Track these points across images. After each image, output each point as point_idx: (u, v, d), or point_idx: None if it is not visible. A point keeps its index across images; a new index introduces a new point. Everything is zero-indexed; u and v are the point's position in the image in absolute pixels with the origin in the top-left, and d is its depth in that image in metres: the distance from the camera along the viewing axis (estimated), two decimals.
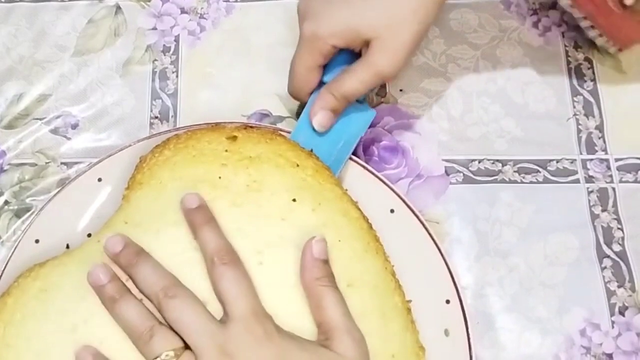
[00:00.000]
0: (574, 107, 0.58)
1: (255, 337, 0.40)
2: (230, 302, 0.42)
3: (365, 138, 0.56)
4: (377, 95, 0.58)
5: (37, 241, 0.50)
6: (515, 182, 0.56)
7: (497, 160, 0.56)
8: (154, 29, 0.61)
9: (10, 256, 0.49)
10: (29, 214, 0.54)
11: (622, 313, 0.52)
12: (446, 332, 0.48)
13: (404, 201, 0.51)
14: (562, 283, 0.53)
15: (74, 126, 0.57)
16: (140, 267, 0.43)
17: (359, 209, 0.49)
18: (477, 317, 0.51)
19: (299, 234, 0.45)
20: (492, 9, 0.61)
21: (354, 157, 0.52)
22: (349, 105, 0.51)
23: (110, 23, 0.61)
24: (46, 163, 0.56)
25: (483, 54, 0.60)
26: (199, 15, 0.61)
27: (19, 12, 0.61)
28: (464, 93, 0.59)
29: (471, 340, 0.47)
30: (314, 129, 0.51)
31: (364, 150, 0.56)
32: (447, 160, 0.56)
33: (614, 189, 0.56)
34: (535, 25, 0.61)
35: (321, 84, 0.52)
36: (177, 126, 0.56)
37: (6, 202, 0.55)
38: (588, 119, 0.58)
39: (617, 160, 0.57)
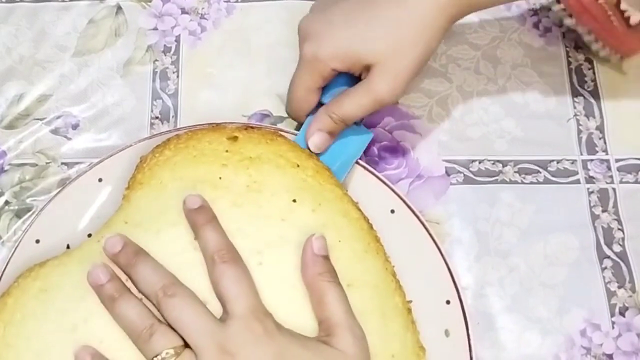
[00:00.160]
0: (575, 107, 0.58)
1: (256, 335, 0.40)
2: (231, 300, 0.42)
3: None
4: None
5: (37, 241, 0.50)
6: (515, 182, 0.56)
7: (498, 161, 0.56)
8: (155, 29, 0.61)
9: (11, 256, 0.49)
10: (29, 214, 0.54)
11: (622, 314, 0.52)
12: (446, 333, 0.48)
13: (404, 202, 0.51)
14: (562, 283, 0.53)
15: (75, 126, 0.57)
16: (139, 266, 0.43)
17: (360, 210, 0.49)
18: (477, 317, 0.51)
19: (299, 235, 0.45)
20: (492, 9, 0.60)
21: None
22: (346, 128, 0.51)
23: (111, 23, 0.61)
24: (47, 163, 0.56)
25: (483, 54, 0.60)
26: (199, 15, 0.61)
27: (20, 12, 0.61)
28: (464, 93, 0.59)
29: (471, 341, 0.48)
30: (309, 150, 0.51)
31: (364, 151, 0.56)
32: (447, 161, 0.56)
33: (614, 189, 0.56)
34: (535, 25, 0.61)
35: (319, 105, 0.52)
36: (178, 126, 0.56)
37: (7, 202, 0.55)
38: (588, 120, 0.58)
39: (617, 160, 0.57)
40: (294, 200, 0.47)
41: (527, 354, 0.51)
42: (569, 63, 0.60)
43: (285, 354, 0.40)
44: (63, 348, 0.43)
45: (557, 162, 0.56)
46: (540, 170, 0.56)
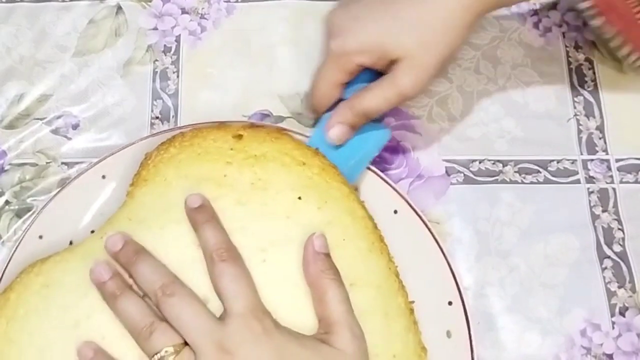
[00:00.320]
0: (575, 107, 0.58)
1: (254, 334, 0.40)
2: (229, 299, 0.42)
3: None
4: None
5: (40, 237, 0.50)
6: (515, 182, 0.56)
7: (498, 161, 0.56)
8: (155, 29, 0.61)
9: (14, 252, 0.49)
10: (29, 213, 0.54)
11: (622, 314, 0.52)
12: (448, 334, 0.48)
13: (407, 202, 0.51)
14: (562, 283, 0.53)
15: (75, 126, 0.57)
16: (139, 265, 0.43)
17: (365, 208, 0.49)
18: (478, 318, 0.51)
19: (304, 232, 0.45)
20: None
21: None
22: (366, 122, 0.51)
23: (111, 23, 0.61)
24: (47, 163, 0.56)
25: (484, 54, 0.60)
26: (199, 15, 0.61)
27: (20, 12, 0.61)
28: (464, 93, 0.59)
29: (473, 343, 0.47)
30: (326, 144, 0.51)
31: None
32: (447, 161, 0.56)
33: (614, 189, 0.56)
34: (535, 25, 0.61)
35: (338, 102, 0.52)
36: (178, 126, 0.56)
37: (7, 202, 0.55)
38: (589, 120, 0.58)
39: (617, 160, 0.57)
40: (299, 198, 0.47)
41: (528, 354, 0.51)
42: (569, 63, 0.60)
43: (284, 352, 0.40)
44: (65, 344, 0.43)
45: (557, 162, 0.56)
46: (541, 170, 0.56)
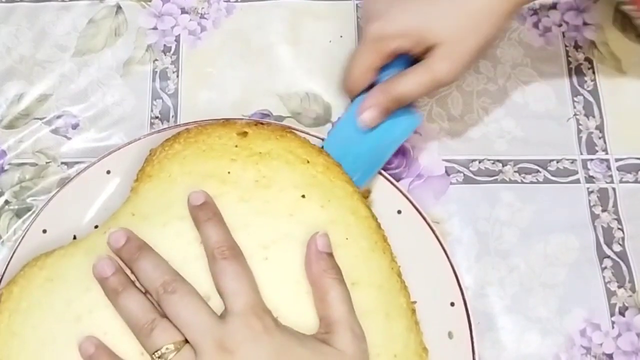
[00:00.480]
0: (574, 107, 0.58)
1: (254, 332, 0.40)
2: (230, 297, 0.42)
3: None
4: None
5: (44, 231, 0.50)
6: (515, 182, 0.56)
7: (498, 161, 0.56)
8: (155, 28, 0.61)
9: (18, 245, 0.49)
10: (29, 213, 0.54)
11: (622, 313, 0.52)
12: (450, 335, 0.48)
13: (411, 202, 0.51)
14: (562, 283, 0.53)
15: (75, 126, 0.57)
16: (142, 261, 0.43)
17: (369, 208, 0.49)
18: (478, 318, 0.51)
19: (307, 230, 0.45)
20: None
21: None
22: (399, 107, 0.51)
23: (110, 23, 0.61)
24: (47, 163, 0.56)
25: None
26: (199, 15, 0.61)
27: (20, 12, 0.61)
28: (464, 93, 0.59)
29: (475, 344, 0.47)
30: (357, 128, 0.51)
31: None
32: (447, 161, 0.56)
33: (614, 189, 0.56)
34: (535, 25, 0.61)
35: (370, 87, 0.52)
36: None
37: (6, 202, 0.55)
38: (588, 119, 0.58)
39: (617, 160, 0.57)
40: (303, 196, 0.47)
41: (528, 354, 0.51)
42: (569, 63, 0.60)
43: (284, 351, 0.40)
44: (67, 338, 0.43)
45: (557, 162, 0.56)
46: (540, 170, 0.56)
